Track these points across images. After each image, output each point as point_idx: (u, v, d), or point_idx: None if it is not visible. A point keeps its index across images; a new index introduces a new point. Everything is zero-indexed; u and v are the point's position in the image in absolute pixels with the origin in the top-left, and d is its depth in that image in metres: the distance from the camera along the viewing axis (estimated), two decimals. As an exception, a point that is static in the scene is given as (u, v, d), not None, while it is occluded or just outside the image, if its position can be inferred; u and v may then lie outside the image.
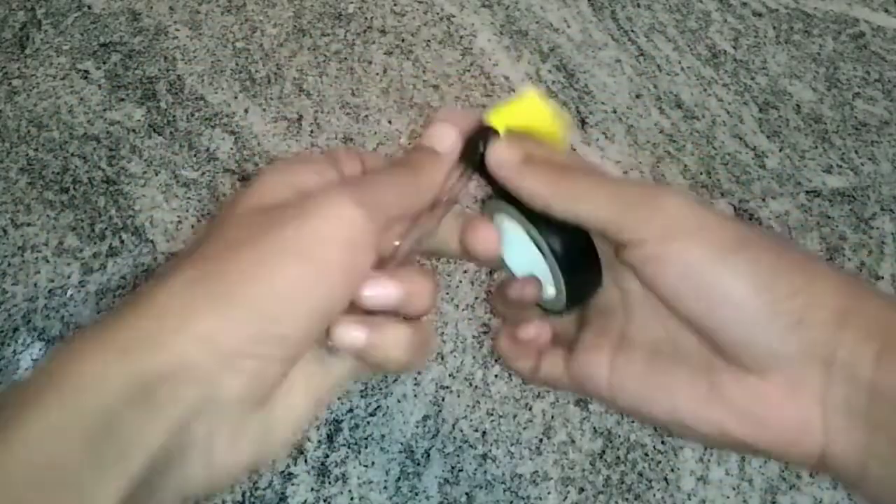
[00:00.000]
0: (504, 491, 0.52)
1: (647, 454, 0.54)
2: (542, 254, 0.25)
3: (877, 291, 0.25)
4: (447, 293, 0.58)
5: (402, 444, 0.53)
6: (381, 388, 0.55)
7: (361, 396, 0.55)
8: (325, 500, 0.52)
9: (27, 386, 0.21)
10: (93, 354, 0.22)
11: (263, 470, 0.52)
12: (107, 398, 0.21)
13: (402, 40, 0.70)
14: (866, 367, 0.22)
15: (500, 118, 0.27)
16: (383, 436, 0.54)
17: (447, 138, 0.28)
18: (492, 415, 0.54)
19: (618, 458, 0.54)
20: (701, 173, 0.65)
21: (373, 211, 0.24)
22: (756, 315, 0.23)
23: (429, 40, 0.70)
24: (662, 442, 0.54)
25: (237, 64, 0.69)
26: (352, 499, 0.52)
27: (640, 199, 0.25)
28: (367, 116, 0.66)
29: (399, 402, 0.55)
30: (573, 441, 0.54)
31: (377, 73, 0.68)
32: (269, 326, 0.23)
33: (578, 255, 0.26)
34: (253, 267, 0.23)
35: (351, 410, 0.54)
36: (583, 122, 0.67)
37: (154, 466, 0.21)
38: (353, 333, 0.25)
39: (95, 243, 0.59)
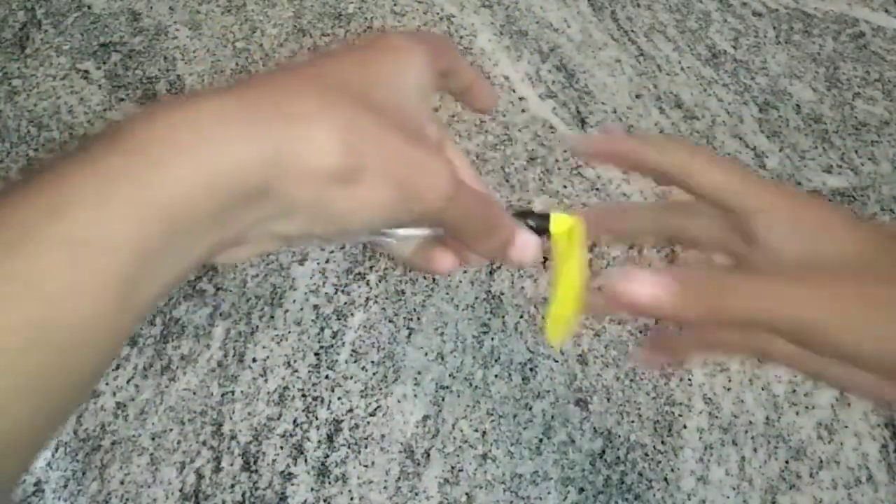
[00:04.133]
0: (504, 491, 0.52)
1: (647, 454, 0.54)
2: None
3: None
4: (447, 293, 0.58)
5: (401, 444, 0.53)
6: (381, 388, 0.55)
7: (361, 396, 0.55)
8: (324, 500, 0.52)
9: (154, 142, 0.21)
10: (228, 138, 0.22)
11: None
12: (239, 177, 0.22)
13: (402, 40, 0.70)
14: None
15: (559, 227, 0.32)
16: (383, 436, 0.54)
17: (530, 251, 0.30)
18: (492, 415, 0.54)
19: (618, 458, 0.54)
20: (701, 173, 0.65)
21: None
22: None
23: (429, 40, 0.70)
24: (662, 442, 0.54)
25: (237, 64, 0.69)
26: (352, 499, 0.52)
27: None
28: (367, 116, 0.66)
29: (399, 402, 0.55)
30: (573, 441, 0.54)
31: (377, 73, 0.68)
32: None
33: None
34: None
35: (351, 410, 0.54)
36: (583, 123, 0.67)
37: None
38: None
39: (95, 243, 0.59)
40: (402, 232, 0.29)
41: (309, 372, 0.55)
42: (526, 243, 0.30)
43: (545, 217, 0.31)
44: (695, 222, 0.34)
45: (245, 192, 0.22)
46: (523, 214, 0.31)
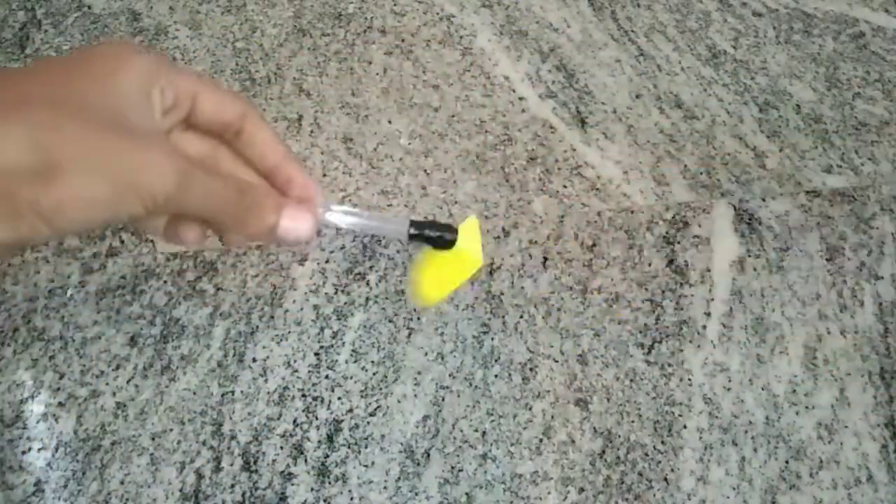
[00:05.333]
0: (504, 491, 0.52)
1: (647, 454, 0.54)
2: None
3: None
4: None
5: (402, 444, 0.53)
6: (381, 388, 0.55)
7: (361, 396, 0.55)
8: (325, 501, 0.52)
9: None
10: None
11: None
12: None
13: (402, 40, 0.70)
14: None
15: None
16: (383, 436, 0.54)
17: (302, 227, 0.31)
18: (492, 415, 0.54)
19: (618, 458, 0.54)
20: (701, 173, 0.65)
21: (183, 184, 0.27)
22: None
23: (429, 40, 0.70)
24: (662, 442, 0.54)
25: (237, 64, 0.69)
26: (352, 499, 0.52)
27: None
28: (367, 116, 0.66)
29: (399, 402, 0.55)
30: (573, 441, 0.54)
31: (377, 74, 0.68)
32: None
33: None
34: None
35: (351, 410, 0.54)
36: (583, 123, 0.67)
37: None
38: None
39: (95, 243, 0.59)
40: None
41: (309, 372, 0.55)
42: (295, 221, 0.30)
43: (448, 228, 0.34)
44: None
45: None
46: (432, 226, 0.34)
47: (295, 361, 0.56)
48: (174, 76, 0.29)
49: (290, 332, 0.56)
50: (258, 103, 0.67)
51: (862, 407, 0.56)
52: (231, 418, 0.54)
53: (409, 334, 0.57)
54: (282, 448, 0.53)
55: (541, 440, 0.54)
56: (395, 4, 0.72)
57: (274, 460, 0.53)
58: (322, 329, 0.57)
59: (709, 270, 0.60)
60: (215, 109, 0.31)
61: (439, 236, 0.33)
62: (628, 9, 0.73)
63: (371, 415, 0.54)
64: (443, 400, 0.55)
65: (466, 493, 0.52)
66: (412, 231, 0.33)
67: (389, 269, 0.59)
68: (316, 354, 0.56)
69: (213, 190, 0.28)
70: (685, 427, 0.55)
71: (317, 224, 0.31)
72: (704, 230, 0.62)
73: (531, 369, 0.56)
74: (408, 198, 0.62)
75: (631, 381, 0.56)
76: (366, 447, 0.53)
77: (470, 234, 0.35)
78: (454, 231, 0.34)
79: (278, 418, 0.54)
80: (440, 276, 0.35)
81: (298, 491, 0.52)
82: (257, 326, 0.57)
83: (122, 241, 0.60)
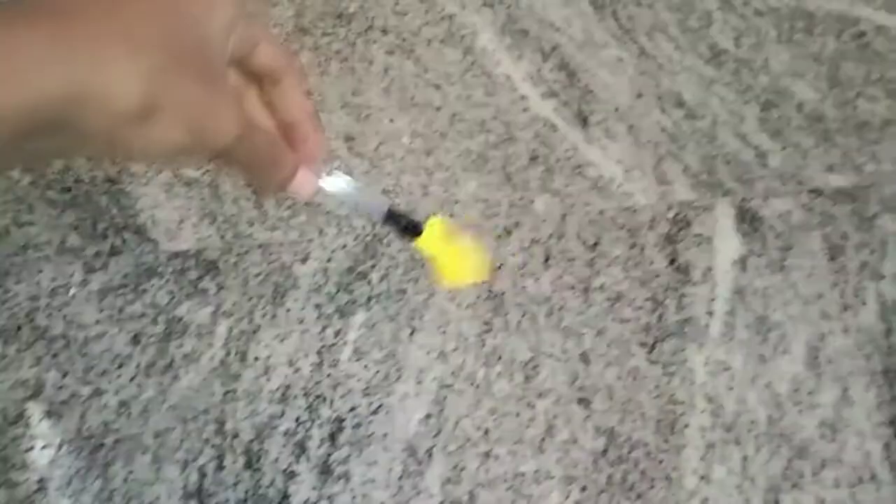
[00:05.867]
0: (506, 489, 0.52)
1: (649, 453, 0.54)
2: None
3: None
4: (449, 291, 0.58)
5: (404, 442, 0.53)
6: (383, 387, 0.55)
7: (363, 395, 0.55)
8: (327, 499, 0.52)
9: None
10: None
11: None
12: None
13: (404, 40, 0.70)
14: None
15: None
16: (385, 434, 0.54)
17: (307, 187, 0.33)
18: (494, 413, 0.54)
19: (620, 456, 0.54)
20: (703, 172, 0.65)
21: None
22: None
23: (430, 40, 0.70)
24: (665, 441, 0.54)
25: (239, 63, 0.69)
26: (354, 497, 0.52)
27: None
28: (368, 116, 0.66)
29: (401, 400, 0.55)
30: (575, 440, 0.54)
31: (378, 73, 0.68)
32: None
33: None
34: None
35: (353, 409, 0.54)
36: (584, 122, 0.67)
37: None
38: None
39: (98, 242, 0.59)
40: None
41: (311, 370, 0.55)
42: (304, 180, 0.33)
43: (416, 226, 0.37)
44: None
45: (44, 125, 0.23)
46: (404, 221, 0.37)
47: (297, 360, 0.56)
48: (248, 23, 0.31)
49: (292, 330, 0.56)
50: (260, 103, 0.67)
51: (865, 406, 0.56)
52: (234, 417, 0.54)
53: (412, 333, 0.57)
54: (284, 446, 0.53)
55: (543, 439, 0.54)
56: (396, 4, 0.72)
57: (276, 458, 0.53)
58: (324, 327, 0.57)
59: (711, 269, 0.60)
60: (269, 59, 0.32)
61: (405, 226, 0.37)
62: (630, 8, 0.73)
63: (373, 413, 0.54)
64: (445, 399, 0.55)
65: (469, 492, 0.52)
66: (388, 214, 0.37)
67: (391, 267, 0.59)
68: (318, 353, 0.56)
69: (257, 144, 0.30)
70: (687, 426, 0.55)
71: (317, 186, 0.34)
72: (706, 229, 0.62)
73: (533, 368, 0.56)
74: (409, 197, 0.62)
75: (633, 379, 0.56)
76: (368, 446, 0.53)
77: (438, 233, 0.38)
78: (420, 229, 0.37)
79: (281, 417, 0.54)
80: (454, 269, 0.39)
81: (301, 489, 0.52)
82: (259, 325, 0.57)
83: (125, 240, 0.60)
